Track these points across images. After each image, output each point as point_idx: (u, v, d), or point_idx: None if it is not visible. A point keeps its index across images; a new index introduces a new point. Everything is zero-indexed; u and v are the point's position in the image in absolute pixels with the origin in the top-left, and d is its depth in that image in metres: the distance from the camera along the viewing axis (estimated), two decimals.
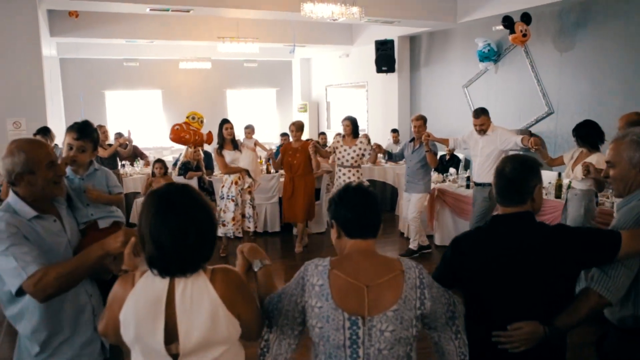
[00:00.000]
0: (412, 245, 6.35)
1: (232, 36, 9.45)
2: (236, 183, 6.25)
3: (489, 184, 5.30)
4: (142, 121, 13.17)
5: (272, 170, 7.72)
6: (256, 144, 6.55)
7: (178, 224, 1.58)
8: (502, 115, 8.41)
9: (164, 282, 1.61)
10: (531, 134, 6.38)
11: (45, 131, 6.18)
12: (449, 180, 7.06)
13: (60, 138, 6.79)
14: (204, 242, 1.63)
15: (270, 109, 14.93)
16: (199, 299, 1.59)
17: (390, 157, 6.77)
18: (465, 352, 1.87)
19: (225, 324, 1.61)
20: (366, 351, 1.66)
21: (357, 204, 1.77)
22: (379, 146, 6.31)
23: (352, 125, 6.38)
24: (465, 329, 1.90)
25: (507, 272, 1.91)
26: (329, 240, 7.07)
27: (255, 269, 1.87)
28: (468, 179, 6.57)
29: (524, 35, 7.24)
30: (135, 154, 8.80)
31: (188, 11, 7.50)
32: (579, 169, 4.55)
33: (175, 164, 8.80)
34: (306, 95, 14.53)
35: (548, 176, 5.55)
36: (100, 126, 6.14)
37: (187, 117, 6.71)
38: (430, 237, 6.93)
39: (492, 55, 8.34)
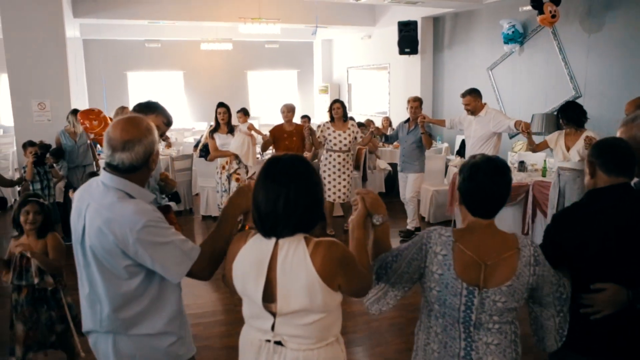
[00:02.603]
0: (410, 225, 6.37)
1: (254, 17, 9.38)
2: (223, 167, 6.19)
3: None
4: (164, 102, 13.03)
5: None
6: (250, 128, 6.36)
7: (271, 190, 1.69)
8: (528, 98, 8.25)
9: (269, 244, 1.71)
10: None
11: (75, 112, 6.32)
12: None
13: None
14: (294, 211, 1.67)
15: (291, 91, 14.87)
16: (297, 269, 1.67)
17: (387, 139, 6.81)
18: (565, 330, 1.93)
19: (321, 295, 1.67)
20: (478, 315, 1.80)
21: (484, 188, 1.82)
22: (377, 128, 6.38)
23: (342, 109, 6.37)
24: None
25: (611, 243, 1.96)
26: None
27: (377, 223, 1.94)
28: None
29: (553, 17, 7.03)
30: None
31: None
32: (574, 150, 4.87)
33: (196, 145, 8.86)
34: (327, 77, 14.43)
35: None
36: (124, 107, 6.17)
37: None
38: (449, 223, 6.91)
39: (518, 37, 8.14)
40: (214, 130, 6.23)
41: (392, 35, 10.37)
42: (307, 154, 7.59)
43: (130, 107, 7.40)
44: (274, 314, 1.71)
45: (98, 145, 6.82)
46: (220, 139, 6.15)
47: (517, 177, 5.88)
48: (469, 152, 5.85)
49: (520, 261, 1.80)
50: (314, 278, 1.65)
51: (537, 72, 8.11)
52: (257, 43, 13.72)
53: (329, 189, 6.48)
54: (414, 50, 10.11)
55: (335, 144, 6.34)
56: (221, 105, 6.27)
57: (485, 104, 5.74)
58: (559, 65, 7.68)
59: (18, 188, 7.58)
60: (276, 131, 6.49)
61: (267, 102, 14.25)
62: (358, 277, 1.77)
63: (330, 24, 11.04)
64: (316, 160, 7.44)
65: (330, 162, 6.40)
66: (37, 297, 3.13)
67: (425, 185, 7.32)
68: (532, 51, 8.15)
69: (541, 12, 7.06)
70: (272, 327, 1.73)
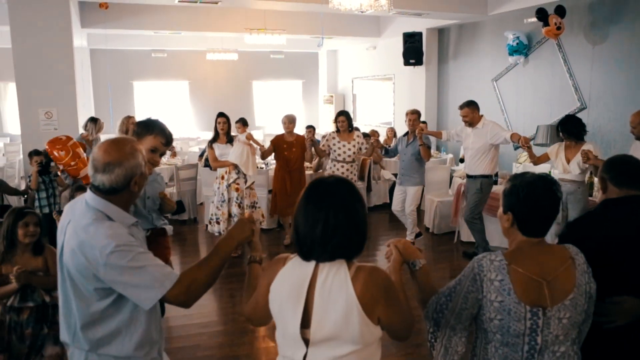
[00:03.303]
0: (409, 237, 6.34)
1: (259, 28, 9.43)
2: (222, 177, 6.17)
3: (480, 176, 5.71)
4: (170, 112, 13.29)
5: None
6: (249, 137, 6.27)
7: (310, 214, 1.65)
8: (532, 110, 8.26)
9: (309, 267, 1.66)
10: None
11: (94, 120, 6.41)
12: None
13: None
14: (332, 237, 1.61)
15: (296, 101, 14.93)
16: (337, 293, 1.60)
17: (387, 152, 6.83)
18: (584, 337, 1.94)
19: (358, 324, 1.59)
20: (544, 338, 1.73)
21: (541, 210, 1.78)
22: (378, 141, 6.40)
23: (347, 121, 6.42)
24: None
25: (623, 252, 1.98)
26: None
27: (416, 268, 1.90)
28: (496, 174, 6.49)
29: (558, 29, 7.05)
30: None
31: (216, 2, 7.51)
32: (574, 163, 4.96)
33: (201, 155, 8.89)
34: (332, 88, 14.47)
35: None
36: (129, 117, 6.20)
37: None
38: (453, 234, 6.89)
39: (522, 48, 8.17)
40: (213, 140, 6.24)
41: (397, 46, 10.42)
42: (307, 165, 7.61)
43: (137, 117, 7.40)
44: (307, 341, 1.64)
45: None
46: (219, 149, 6.15)
47: None
48: (467, 164, 5.88)
49: (577, 270, 1.78)
50: (353, 303, 1.58)
51: (541, 83, 8.12)
52: (262, 53, 13.80)
53: None
54: (418, 61, 10.14)
55: (339, 155, 6.37)
56: (221, 115, 6.26)
57: (482, 115, 5.77)
58: (563, 77, 7.69)
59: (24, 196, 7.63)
60: (277, 141, 6.50)
61: (272, 112, 14.30)
62: (399, 309, 1.68)
63: (336, 35, 11.10)
64: (321, 171, 7.45)
65: (334, 173, 6.41)
66: (39, 317, 2.96)
67: (430, 196, 7.31)
68: (537, 63, 8.16)
69: (546, 24, 7.08)
70: (304, 358, 1.65)
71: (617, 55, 6.93)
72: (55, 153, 4.90)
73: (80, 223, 1.79)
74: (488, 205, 6.24)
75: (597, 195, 5.35)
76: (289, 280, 1.67)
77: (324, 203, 1.64)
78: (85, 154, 6.50)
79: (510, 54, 8.28)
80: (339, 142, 6.37)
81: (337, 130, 6.46)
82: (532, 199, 1.76)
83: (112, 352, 1.86)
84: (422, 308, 1.91)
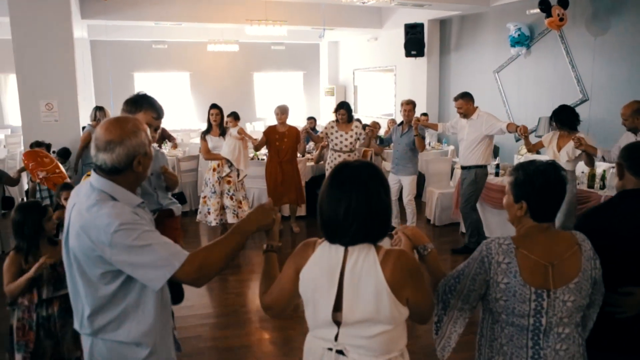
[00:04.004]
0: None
1: (260, 19, 9.40)
2: (214, 170, 6.18)
3: (475, 167, 5.75)
4: (170, 103, 13.25)
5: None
6: (241, 132, 6.22)
7: (333, 197, 1.68)
8: (534, 101, 8.23)
9: (339, 252, 1.69)
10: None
11: (102, 109, 6.63)
12: None
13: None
14: (354, 220, 1.64)
15: (297, 93, 14.89)
16: (367, 277, 1.64)
17: (382, 142, 6.85)
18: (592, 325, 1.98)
19: (389, 306, 1.64)
20: (549, 320, 1.79)
21: (554, 196, 1.83)
22: (372, 131, 6.42)
23: (347, 113, 6.46)
24: None
25: (637, 244, 2.01)
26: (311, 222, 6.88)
27: (424, 253, 1.94)
28: (497, 166, 6.49)
29: (561, 20, 7.01)
30: (163, 136, 8.89)
31: None
32: (564, 151, 5.04)
33: None
34: (333, 79, 14.43)
35: (580, 165, 5.49)
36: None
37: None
38: (457, 225, 6.90)
39: (524, 40, 8.13)
40: (206, 132, 6.25)
41: (399, 37, 10.37)
42: (308, 157, 7.61)
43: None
44: (338, 323, 1.69)
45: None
46: (212, 142, 6.16)
47: None
48: (462, 155, 5.91)
49: (583, 256, 1.83)
50: (383, 287, 1.62)
51: (543, 75, 8.08)
52: (263, 45, 13.75)
53: None
54: (420, 53, 10.10)
55: (336, 144, 6.45)
56: (213, 106, 6.26)
57: (477, 107, 5.81)
58: (565, 68, 7.66)
59: (25, 187, 7.63)
60: (269, 132, 6.53)
61: (273, 103, 14.18)
62: (424, 291, 1.74)
63: (337, 26, 11.05)
64: (322, 162, 7.45)
65: (332, 162, 6.52)
66: (68, 307, 2.82)
67: (431, 188, 7.31)
68: (539, 54, 8.12)
69: (549, 15, 7.05)
70: (336, 337, 1.70)
71: (619, 46, 6.89)
72: (37, 161, 4.87)
73: (85, 204, 1.74)
74: (489, 197, 6.24)
75: (598, 187, 5.42)
76: (320, 265, 1.71)
77: (346, 187, 1.66)
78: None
79: (512, 45, 8.24)
80: (337, 131, 6.44)
81: (337, 121, 6.50)
82: (546, 187, 1.81)
83: (118, 338, 1.81)
84: (432, 291, 1.95)
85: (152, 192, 2.86)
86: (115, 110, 10.57)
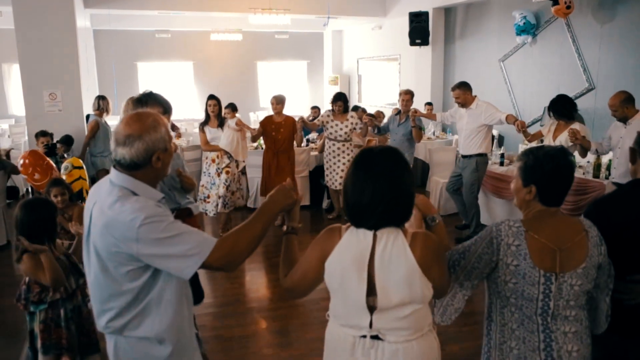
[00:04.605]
0: None
1: (264, 7, 9.34)
2: (213, 161, 6.18)
3: (476, 155, 5.77)
4: (174, 93, 13.24)
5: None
6: (239, 123, 6.16)
7: (358, 181, 1.72)
8: (540, 90, 8.16)
9: (368, 237, 1.72)
10: None
11: (104, 98, 6.67)
12: None
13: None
14: (378, 203, 1.68)
15: (301, 82, 14.84)
16: (397, 261, 1.69)
17: (379, 130, 6.87)
18: (609, 313, 1.98)
19: (420, 287, 1.70)
20: (556, 303, 1.83)
21: (563, 180, 1.87)
22: (371, 120, 6.43)
23: (344, 104, 6.51)
24: None
25: None
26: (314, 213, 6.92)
27: (432, 224, 1.99)
28: (502, 155, 6.47)
29: (568, 7, 6.94)
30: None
31: None
32: (559, 140, 5.02)
33: None
34: (337, 68, 14.37)
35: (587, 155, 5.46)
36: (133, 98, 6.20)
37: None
38: (458, 215, 6.88)
39: (530, 28, 8.05)
40: (205, 123, 6.24)
41: (403, 26, 10.29)
42: (312, 146, 7.61)
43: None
44: (371, 309, 1.72)
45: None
46: (210, 133, 6.16)
47: None
48: (462, 144, 5.92)
49: (589, 242, 1.86)
50: (414, 269, 1.68)
51: (549, 63, 8.01)
52: (267, 34, 13.68)
53: (327, 175, 6.77)
54: (425, 42, 10.02)
55: (331, 133, 6.55)
56: (211, 97, 6.25)
57: (475, 96, 5.80)
58: (572, 57, 7.59)
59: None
60: (265, 122, 6.54)
61: (276, 93, 14.19)
62: (447, 269, 1.84)
63: (341, 15, 10.97)
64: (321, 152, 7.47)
65: (328, 150, 6.66)
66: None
67: (436, 177, 7.30)
68: (545, 43, 8.05)
69: (556, 2, 6.97)
70: (370, 324, 1.74)
71: (626, 34, 6.82)
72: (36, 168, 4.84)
73: (107, 202, 1.72)
74: (493, 187, 6.23)
75: (603, 177, 5.39)
76: (349, 252, 1.73)
77: (370, 172, 1.71)
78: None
79: (518, 33, 8.17)
80: (332, 120, 6.52)
81: (333, 111, 6.55)
82: (556, 171, 1.84)
83: (140, 334, 1.80)
84: None
85: (168, 192, 2.89)
86: (119, 99, 10.58)
